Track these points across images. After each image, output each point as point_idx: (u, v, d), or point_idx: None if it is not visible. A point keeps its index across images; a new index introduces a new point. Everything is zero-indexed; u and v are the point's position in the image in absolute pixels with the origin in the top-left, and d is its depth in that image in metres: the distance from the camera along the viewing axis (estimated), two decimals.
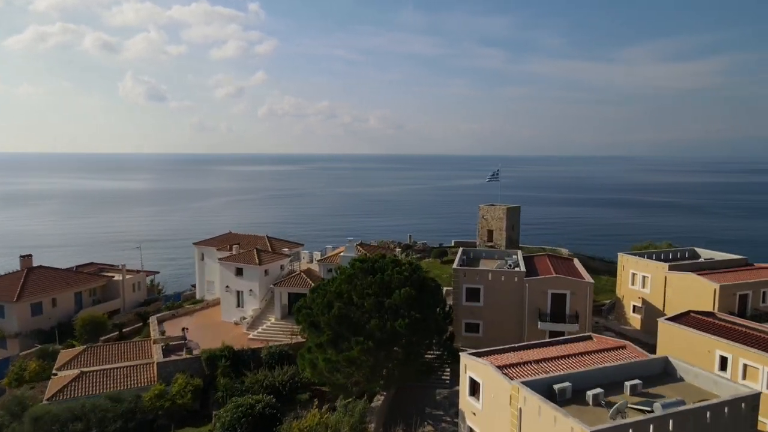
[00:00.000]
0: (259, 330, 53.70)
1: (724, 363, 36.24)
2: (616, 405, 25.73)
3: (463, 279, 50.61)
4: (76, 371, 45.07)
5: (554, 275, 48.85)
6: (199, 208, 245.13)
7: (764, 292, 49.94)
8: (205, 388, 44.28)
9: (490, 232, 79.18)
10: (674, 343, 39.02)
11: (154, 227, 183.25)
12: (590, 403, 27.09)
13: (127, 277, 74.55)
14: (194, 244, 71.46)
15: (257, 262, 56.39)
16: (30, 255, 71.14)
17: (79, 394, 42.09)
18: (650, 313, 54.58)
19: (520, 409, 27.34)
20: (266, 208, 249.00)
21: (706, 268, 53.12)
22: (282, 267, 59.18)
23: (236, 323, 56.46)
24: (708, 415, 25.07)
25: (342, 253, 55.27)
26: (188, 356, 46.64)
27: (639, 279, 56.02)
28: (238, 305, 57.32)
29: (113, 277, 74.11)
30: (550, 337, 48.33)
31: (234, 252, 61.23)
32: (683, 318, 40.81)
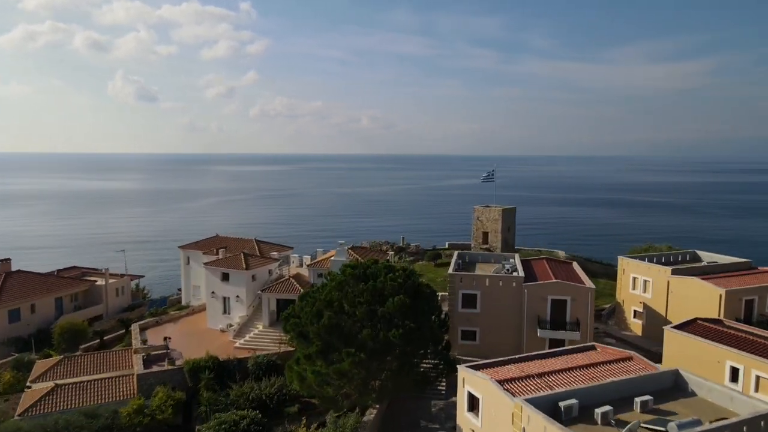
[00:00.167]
0: (247, 338, 51.39)
1: (735, 374, 34.45)
2: (629, 426, 23.82)
3: (459, 284, 48.58)
4: (50, 384, 42.52)
5: (554, 280, 46.94)
6: (188, 208, 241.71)
7: None
8: (188, 402, 41.93)
9: (486, 234, 77.33)
10: (681, 352, 37.22)
11: (142, 228, 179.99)
12: (599, 421, 25.18)
13: (111, 281, 72.06)
14: (180, 247, 69.01)
15: (244, 266, 54.05)
16: (8, 259, 68.40)
17: (53, 409, 39.56)
18: (652, 318, 52.90)
19: (524, 429, 25.37)
20: (257, 208, 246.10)
21: (709, 272, 51.50)
22: (270, 272, 56.88)
23: (222, 331, 54.12)
24: None
25: (333, 257, 53.07)
26: (170, 367, 44.22)
27: (640, 283, 54.26)
28: (225, 312, 54.96)
29: (96, 281, 71.53)
30: (549, 345, 46.52)
31: (220, 256, 58.89)
32: (690, 326, 39.01)
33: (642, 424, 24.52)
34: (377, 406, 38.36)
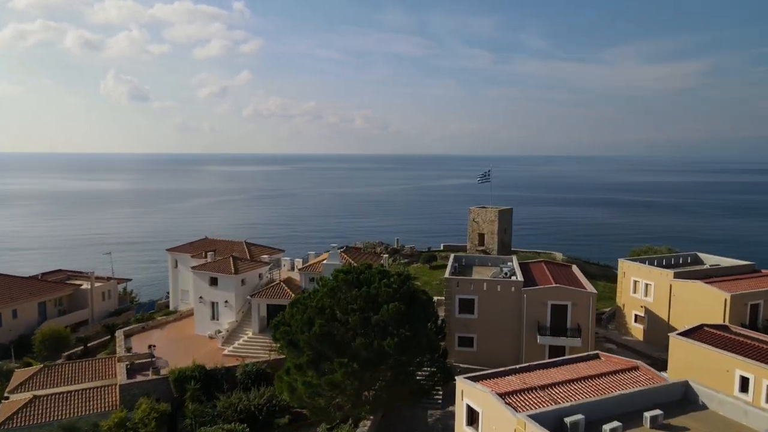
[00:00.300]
0: (235, 345, 49.55)
1: (745, 384, 32.97)
2: None
3: (456, 289, 46.90)
4: (28, 395, 40.58)
5: (554, 285, 45.33)
6: (180, 209, 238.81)
7: None
8: (173, 414, 40.07)
9: (482, 236, 75.79)
10: (687, 361, 35.72)
11: (132, 230, 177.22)
12: None
13: (97, 284, 69.95)
14: (167, 250, 66.99)
15: (233, 271, 52.19)
16: None
17: (31, 422, 37.73)
18: (653, 323, 51.47)
19: None
20: (250, 209, 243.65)
21: (712, 275, 50.08)
22: (261, 276, 55.05)
23: (211, 337, 52.24)
24: None
25: (325, 261, 51.31)
26: (155, 377, 42.34)
27: (641, 287, 52.79)
28: (213, 318, 53.08)
29: (81, 285, 69.40)
30: (549, 352, 44.99)
31: (209, 259, 56.97)
32: (697, 333, 37.49)
33: None
34: (371, 417, 36.71)
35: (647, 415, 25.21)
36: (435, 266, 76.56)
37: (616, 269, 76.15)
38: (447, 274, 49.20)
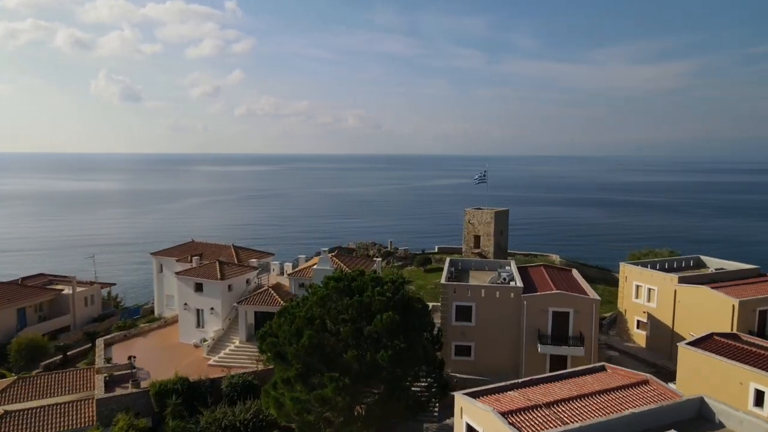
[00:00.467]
0: (221, 354, 47.24)
1: (760, 398, 31.14)
2: None
3: (452, 296, 44.81)
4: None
5: (556, 291, 43.35)
6: (170, 210, 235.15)
7: None
8: (153, 430, 37.73)
9: (477, 238, 73.81)
10: (698, 372, 33.89)
11: (120, 231, 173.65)
12: None
13: (80, 289, 67.22)
14: (152, 254, 64.51)
15: (219, 276, 49.82)
16: None
17: None
18: (656, 329, 49.70)
19: None
20: (241, 209, 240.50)
21: (717, 280, 48.34)
22: (248, 281, 52.73)
23: (196, 345, 49.87)
24: None
25: (315, 266, 49.07)
26: (134, 390, 39.89)
27: (644, 292, 50.96)
28: (198, 325, 50.72)
29: (62, 290, 66.72)
30: (551, 362, 43.05)
31: (194, 264, 54.58)
32: (706, 342, 35.63)
33: None
34: None
35: None
36: (429, 269, 74.60)
37: (615, 272, 74.46)
38: (443, 280, 47.13)
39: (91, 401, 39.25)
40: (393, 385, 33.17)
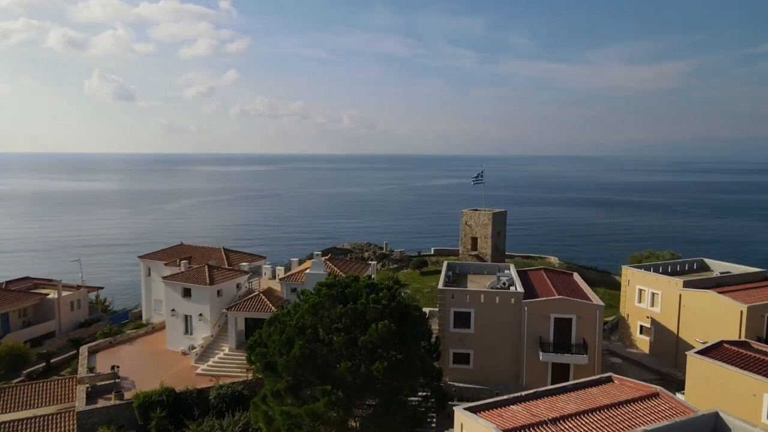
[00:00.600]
0: (210, 363, 45.46)
1: None
2: None
3: (450, 301, 43.10)
4: None
5: (558, 297, 41.73)
6: (163, 210, 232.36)
7: None
8: None
9: (474, 240, 72.18)
10: (708, 383, 32.32)
11: (111, 232, 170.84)
12: None
13: (66, 293, 65.23)
14: (140, 257, 62.59)
15: (208, 281, 48.01)
16: None
17: None
18: (660, 335, 48.14)
19: None
20: (235, 210, 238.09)
21: (722, 284, 46.84)
22: (239, 286, 50.93)
23: (184, 353, 48.06)
24: None
25: (308, 270, 47.31)
26: (117, 402, 38.07)
27: (647, 296, 49.38)
28: (187, 332, 48.91)
29: (48, 294, 64.71)
30: (553, 370, 41.43)
31: (182, 268, 52.72)
32: (716, 351, 34.06)
33: None
34: None
35: None
36: (426, 272, 73.01)
37: (615, 274, 73.05)
38: (440, 285, 45.44)
39: (71, 414, 37.35)
40: (388, 398, 31.47)
